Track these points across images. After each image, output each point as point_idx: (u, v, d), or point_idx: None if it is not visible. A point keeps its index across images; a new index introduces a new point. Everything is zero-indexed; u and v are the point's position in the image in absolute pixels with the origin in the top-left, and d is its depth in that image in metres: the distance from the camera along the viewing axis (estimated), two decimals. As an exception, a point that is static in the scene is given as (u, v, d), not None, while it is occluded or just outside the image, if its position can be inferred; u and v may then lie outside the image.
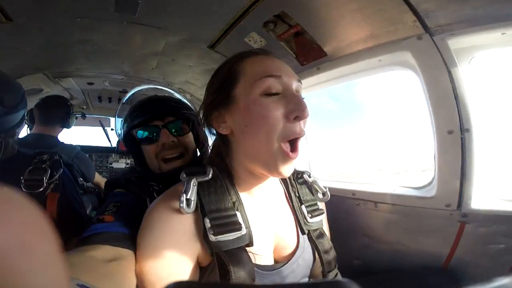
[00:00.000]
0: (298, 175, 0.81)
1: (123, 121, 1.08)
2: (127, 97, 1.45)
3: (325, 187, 0.80)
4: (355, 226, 1.23)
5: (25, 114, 1.12)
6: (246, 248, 0.60)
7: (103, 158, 3.02)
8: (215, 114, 0.66)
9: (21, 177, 0.95)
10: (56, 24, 1.20)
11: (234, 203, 0.63)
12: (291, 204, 0.76)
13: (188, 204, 0.57)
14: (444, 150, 0.98)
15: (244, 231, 0.59)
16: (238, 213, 0.61)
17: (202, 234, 0.58)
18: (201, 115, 0.73)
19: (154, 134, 0.96)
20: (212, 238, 0.56)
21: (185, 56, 1.76)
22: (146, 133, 0.96)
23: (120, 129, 1.13)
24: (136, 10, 1.21)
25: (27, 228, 0.19)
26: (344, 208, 1.29)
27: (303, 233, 0.73)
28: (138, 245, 0.60)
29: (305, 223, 0.73)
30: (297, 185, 0.79)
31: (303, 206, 0.75)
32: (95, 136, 3.06)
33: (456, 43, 0.90)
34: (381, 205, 1.15)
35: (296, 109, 0.58)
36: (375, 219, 1.18)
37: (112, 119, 2.85)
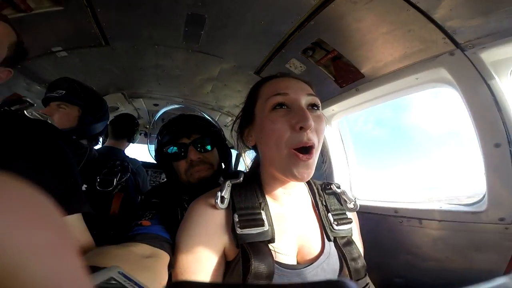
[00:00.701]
0: (326, 186, 0.89)
1: (155, 139, 1.26)
2: (157, 117, 1.74)
3: (354, 197, 0.85)
4: (398, 244, 1.22)
5: (106, 126, 1.47)
6: (269, 244, 0.69)
7: (157, 174, 3.44)
8: (246, 131, 0.81)
9: (97, 177, 1.21)
10: (139, 49, 1.58)
11: (260, 203, 0.74)
12: (317, 212, 0.82)
13: (222, 201, 0.71)
14: (493, 164, 0.94)
15: (266, 227, 0.69)
16: (263, 212, 0.72)
17: (231, 227, 0.69)
18: (234, 131, 0.88)
19: (182, 151, 1.06)
20: (239, 230, 0.67)
21: (235, 81, 2.04)
22: (175, 150, 1.07)
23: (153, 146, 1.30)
24: (199, 39, 1.53)
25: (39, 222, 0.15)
26: (386, 226, 1.28)
27: (329, 239, 0.77)
28: (177, 233, 0.74)
29: (331, 230, 0.78)
30: (325, 195, 0.86)
31: (329, 214, 0.80)
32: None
33: (490, 56, 0.92)
34: (426, 222, 1.12)
35: (300, 120, 0.66)
36: (420, 237, 1.15)
37: None
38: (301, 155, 0.66)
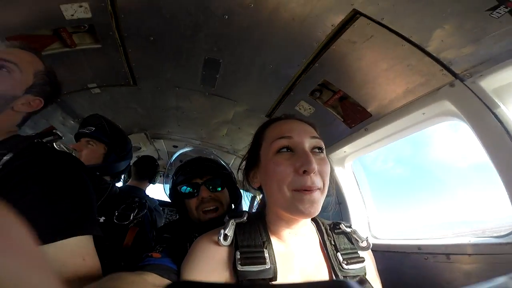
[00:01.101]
0: (335, 226, 0.88)
1: (170, 179, 1.38)
2: (173, 158, 1.89)
3: (366, 236, 0.83)
4: (424, 281, 1.16)
5: (129, 164, 1.59)
6: (271, 282, 0.68)
7: (172, 212, 3.56)
8: (251, 173, 0.85)
9: (116, 211, 1.30)
10: (162, 90, 1.79)
11: (264, 242, 0.75)
12: (325, 251, 0.80)
13: (225, 238, 0.74)
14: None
15: (268, 265, 0.69)
16: (265, 250, 0.72)
17: (232, 264, 0.70)
18: (241, 174, 0.94)
19: (195, 190, 1.17)
20: (239, 267, 0.68)
21: (248, 124, 2.15)
22: (189, 189, 1.18)
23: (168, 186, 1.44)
24: (215, 83, 1.70)
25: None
26: (409, 264, 1.22)
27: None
28: (181, 266, 0.76)
29: (340, 269, 0.76)
30: (334, 234, 0.85)
31: (338, 254, 0.79)
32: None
33: (491, 83, 0.91)
34: (455, 257, 1.06)
35: (303, 164, 0.67)
36: (450, 272, 1.07)
37: None
38: (306, 192, 0.67)
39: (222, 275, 0.71)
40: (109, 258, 1.25)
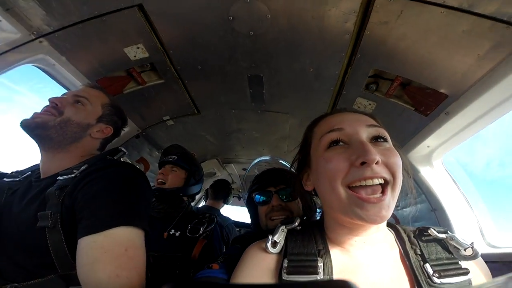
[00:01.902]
0: (422, 232, 0.73)
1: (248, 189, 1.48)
2: (250, 167, 2.01)
3: (471, 242, 0.67)
4: None
5: (201, 187, 1.85)
6: None
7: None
8: (304, 175, 0.78)
9: (189, 225, 1.53)
10: (221, 115, 1.99)
11: (319, 250, 0.67)
12: (407, 263, 0.67)
13: (274, 246, 0.69)
14: None
15: (320, 276, 0.61)
16: (320, 260, 0.64)
17: (279, 273, 0.65)
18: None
19: (268, 197, 1.23)
20: (285, 276, 0.62)
21: (308, 137, 2.09)
22: (262, 197, 1.25)
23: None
24: (263, 98, 1.78)
25: None
26: None
27: None
28: (231, 276, 0.74)
29: (428, 283, 0.62)
30: (420, 243, 0.71)
31: (427, 265, 0.65)
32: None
33: None
34: None
35: (361, 155, 0.58)
36: None
37: None
38: (365, 196, 0.58)
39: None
40: (180, 268, 1.41)
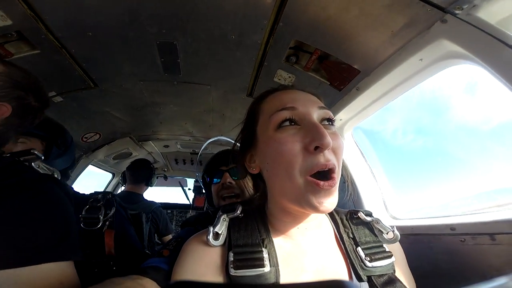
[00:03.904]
0: (352, 215, 0.77)
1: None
2: (201, 150, 2.21)
3: (392, 226, 0.73)
4: (463, 269, 1.00)
5: (74, 159, 1.47)
6: None
7: (182, 214, 3.67)
8: (248, 156, 0.73)
9: (80, 215, 1.18)
10: (127, 88, 1.71)
11: (263, 240, 0.65)
12: (342, 247, 0.71)
13: (216, 238, 0.65)
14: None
15: (267, 269, 0.60)
16: (265, 250, 0.63)
17: (225, 268, 0.62)
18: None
19: (219, 177, 1.27)
20: (232, 271, 0.60)
21: (232, 109, 2.04)
22: (215, 177, 1.30)
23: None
24: (179, 69, 1.59)
25: None
26: (441, 248, 1.06)
27: (360, 279, 0.65)
28: (172, 271, 0.69)
29: (362, 267, 0.66)
30: (352, 226, 0.74)
31: (359, 249, 0.69)
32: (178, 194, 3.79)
33: (491, 14, 0.76)
34: (502, 237, 0.88)
35: (315, 139, 0.57)
36: (496, 257, 0.91)
37: (188, 180, 3.65)
38: (321, 183, 0.56)
39: (216, 280, 0.63)
40: (98, 266, 1.19)
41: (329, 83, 1.47)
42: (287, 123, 0.62)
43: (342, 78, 1.39)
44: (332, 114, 0.66)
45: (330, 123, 0.65)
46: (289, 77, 1.56)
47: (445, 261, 1.06)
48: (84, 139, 2.14)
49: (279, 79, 1.59)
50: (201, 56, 1.51)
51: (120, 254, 1.24)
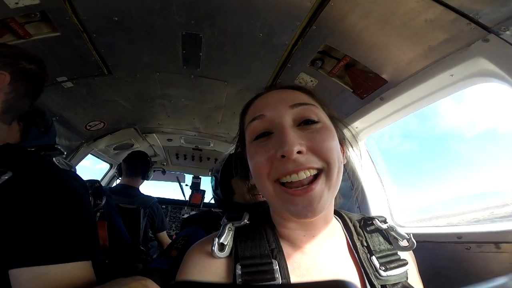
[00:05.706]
0: (366, 222, 0.75)
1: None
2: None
3: (408, 234, 0.71)
4: (467, 276, 1.05)
5: (55, 139, 1.38)
6: None
7: (177, 210, 3.57)
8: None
9: None
10: (142, 78, 1.67)
11: (272, 250, 0.62)
12: (356, 256, 0.68)
13: (221, 249, 0.61)
14: None
15: (279, 281, 0.57)
16: (275, 262, 0.60)
17: (232, 281, 0.58)
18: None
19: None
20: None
21: (245, 108, 2.03)
22: None
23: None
24: (199, 62, 1.57)
25: None
26: (447, 255, 1.11)
27: None
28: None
29: (376, 277, 0.64)
30: (365, 234, 0.72)
31: (373, 258, 0.67)
32: (173, 190, 3.77)
33: None
34: (507, 246, 0.93)
35: (278, 147, 0.55)
36: (499, 263, 0.97)
37: (186, 175, 3.59)
38: (290, 190, 0.55)
39: None
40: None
41: (352, 91, 1.47)
42: (260, 133, 0.61)
43: (367, 86, 1.40)
44: (311, 111, 0.62)
45: (310, 122, 0.61)
46: (311, 81, 1.56)
47: (449, 267, 1.11)
48: (88, 127, 2.08)
49: (300, 82, 1.59)
50: (224, 51, 1.49)
51: (114, 245, 1.23)
